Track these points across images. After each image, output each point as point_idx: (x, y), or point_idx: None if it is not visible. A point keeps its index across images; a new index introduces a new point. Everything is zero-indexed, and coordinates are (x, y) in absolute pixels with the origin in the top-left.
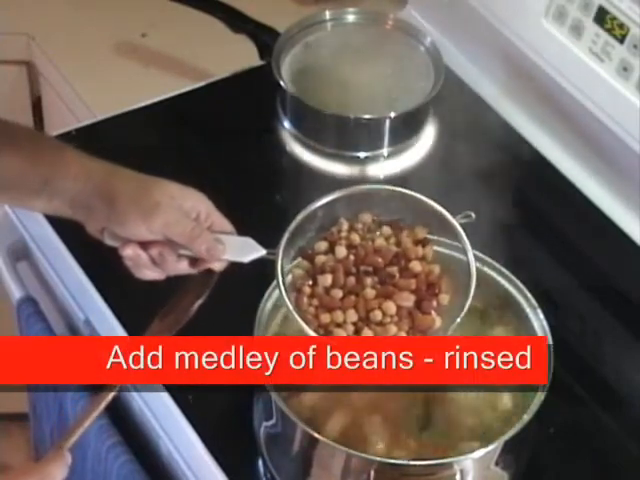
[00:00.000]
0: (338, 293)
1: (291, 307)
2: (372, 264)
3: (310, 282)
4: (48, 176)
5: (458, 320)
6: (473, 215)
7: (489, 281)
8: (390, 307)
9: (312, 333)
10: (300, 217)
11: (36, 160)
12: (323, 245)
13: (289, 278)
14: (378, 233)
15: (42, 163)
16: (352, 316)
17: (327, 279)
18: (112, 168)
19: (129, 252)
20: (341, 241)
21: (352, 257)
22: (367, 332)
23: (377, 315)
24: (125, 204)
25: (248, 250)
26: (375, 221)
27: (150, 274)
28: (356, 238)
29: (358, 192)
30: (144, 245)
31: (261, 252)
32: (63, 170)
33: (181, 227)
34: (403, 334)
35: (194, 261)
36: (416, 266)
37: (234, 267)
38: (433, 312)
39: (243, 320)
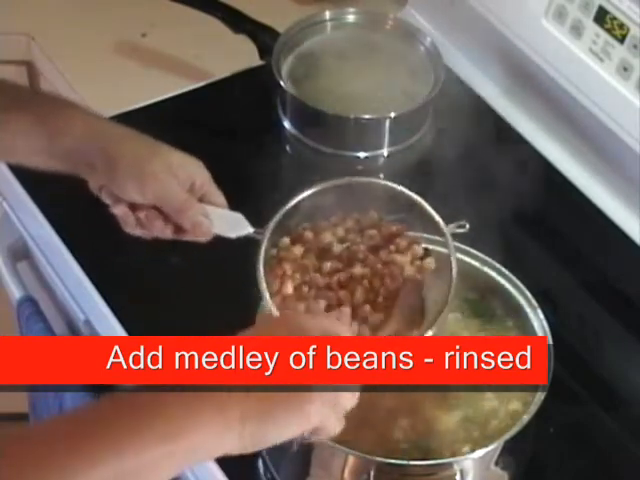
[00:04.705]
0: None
1: (264, 290)
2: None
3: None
4: (53, 136)
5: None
6: (467, 225)
7: (489, 281)
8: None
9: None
10: (292, 202)
11: (42, 120)
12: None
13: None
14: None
15: (48, 123)
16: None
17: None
18: (116, 128)
19: (118, 211)
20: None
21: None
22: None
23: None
24: (124, 168)
25: (236, 226)
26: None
27: (137, 232)
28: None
29: (346, 183)
30: (134, 206)
31: (249, 230)
32: (68, 130)
33: (172, 199)
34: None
35: (179, 229)
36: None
37: (234, 266)
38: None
39: (243, 320)
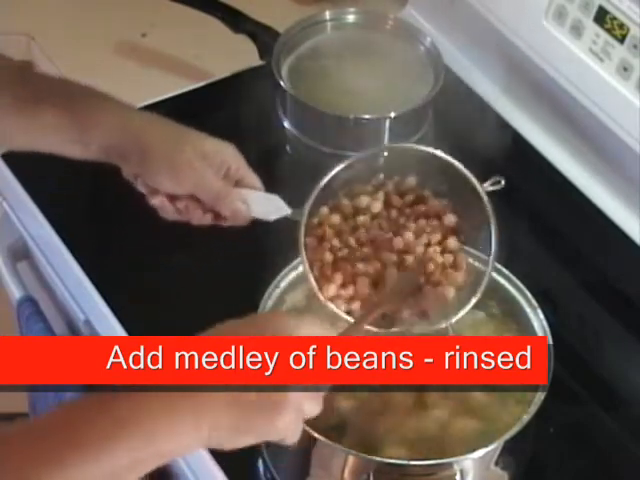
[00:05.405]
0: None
1: (311, 277)
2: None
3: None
4: (85, 126)
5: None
6: (503, 181)
7: (489, 281)
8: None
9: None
10: (326, 179)
11: (73, 111)
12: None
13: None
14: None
15: (79, 113)
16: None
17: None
18: (148, 118)
19: (156, 202)
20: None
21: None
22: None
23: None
24: (157, 158)
25: (274, 209)
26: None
27: (175, 217)
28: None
29: (384, 152)
30: (172, 196)
31: (286, 211)
32: (100, 120)
33: (209, 188)
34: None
35: (218, 215)
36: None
37: (234, 266)
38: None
39: None
